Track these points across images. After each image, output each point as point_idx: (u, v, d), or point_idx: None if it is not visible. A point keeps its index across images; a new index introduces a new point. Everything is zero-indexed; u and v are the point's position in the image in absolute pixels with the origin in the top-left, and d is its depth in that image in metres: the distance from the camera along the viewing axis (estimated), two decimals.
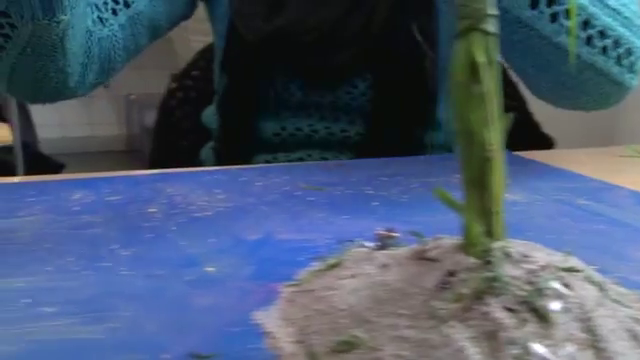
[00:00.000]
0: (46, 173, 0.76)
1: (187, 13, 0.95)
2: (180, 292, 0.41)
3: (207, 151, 1.03)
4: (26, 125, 2.65)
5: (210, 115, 1.03)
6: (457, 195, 0.59)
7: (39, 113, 3.31)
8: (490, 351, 0.30)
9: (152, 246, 0.49)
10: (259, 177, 0.67)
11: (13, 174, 2.33)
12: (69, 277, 0.44)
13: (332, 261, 0.42)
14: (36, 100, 0.81)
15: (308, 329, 0.35)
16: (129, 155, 3.96)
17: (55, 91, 0.76)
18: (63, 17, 0.69)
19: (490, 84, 0.34)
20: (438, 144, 0.92)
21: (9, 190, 0.63)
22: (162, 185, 0.64)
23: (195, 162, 1.07)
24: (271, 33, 0.89)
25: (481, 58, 0.34)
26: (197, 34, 3.66)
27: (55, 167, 2.98)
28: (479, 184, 0.35)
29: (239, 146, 0.93)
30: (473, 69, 0.34)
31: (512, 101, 1.03)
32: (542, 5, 0.66)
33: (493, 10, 0.34)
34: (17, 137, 2.32)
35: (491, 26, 0.34)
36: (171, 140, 1.23)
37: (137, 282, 0.43)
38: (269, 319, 0.38)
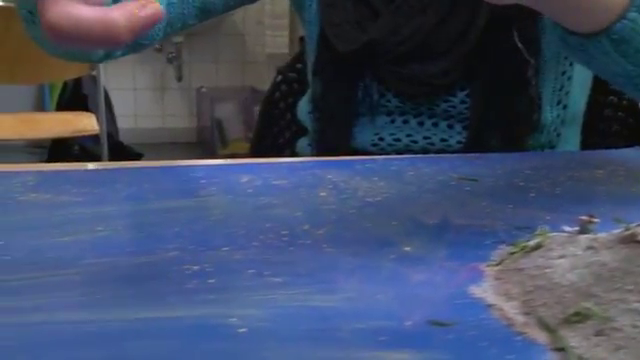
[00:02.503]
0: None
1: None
2: (391, 268, 0.45)
3: (304, 147, 1.04)
4: (108, 115, 2.72)
5: (304, 112, 1.04)
6: (609, 189, 0.62)
7: (114, 104, 3.40)
8: None
9: (340, 226, 0.53)
10: (408, 167, 0.70)
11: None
12: (278, 252, 0.47)
13: (532, 244, 0.45)
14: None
15: (532, 303, 0.39)
16: (198, 147, 4.03)
17: (79, 60, 0.84)
18: None
19: None
20: (539, 145, 0.92)
21: (178, 172, 0.68)
22: (320, 172, 0.67)
23: (293, 154, 1.09)
24: (365, 44, 0.89)
25: None
26: (271, 29, 3.71)
27: (134, 156, 3.06)
28: None
29: (336, 153, 0.94)
30: None
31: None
32: None
33: None
34: (103, 127, 2.38)
35: None
36: (274, 132, 1.25)
37: (346, 259, 0.46)
38: (486, 294, 0.41)
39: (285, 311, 0.39)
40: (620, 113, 1.04)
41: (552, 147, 0.94)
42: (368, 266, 0.45)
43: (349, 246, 0.48)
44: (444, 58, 0.87)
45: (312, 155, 0.99)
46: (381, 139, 0.91)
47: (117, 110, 3.44)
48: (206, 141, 3.97)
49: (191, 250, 0.47)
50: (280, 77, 1.27)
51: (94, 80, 2.92)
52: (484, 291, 0.41)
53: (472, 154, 0.79)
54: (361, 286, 0.42)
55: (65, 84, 3.14)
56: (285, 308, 0.39)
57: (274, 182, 0.64)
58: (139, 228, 0.52)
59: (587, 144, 1.00)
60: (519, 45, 0.85)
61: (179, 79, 3.96)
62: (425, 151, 0.90)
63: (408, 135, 0.91)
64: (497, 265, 0.45)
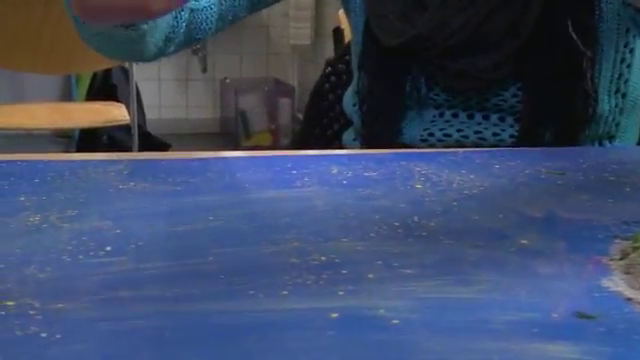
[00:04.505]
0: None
1: None
2: (516, 261, 0.45)
3: (350, 141, 1.04)
4: (137, 106, 2.73)
5: (349, 105, 1.03)
6: None
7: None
8: None
9: (449, 218, 0.53)
10: (491, 160, 0.70)
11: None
12: (398, 243, 0.48)
13: None
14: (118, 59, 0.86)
15: None
16: (222, 138, 4.03)
17: (131, 59, 0.81)
18: (144, 27, 0.73)
19: None
20: (596, 136, 0.91)
21: (266, 163, 0.68)
22: (406, 164, 0.68)
23: (341, 147, 1.08)
24: (412, 38, 0.87)
25: None
26: (295, 21, 3.71)
27: (162, 147, 3.07)
28: None
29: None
30: None
31: None
32: None
33: None
34: (134, 118, 2.39)
35: None
36: (322, 123, 1.24)
37: (468, 251, 0.47)
38: (620, 288, 0.41)
39: (429, 302, 0.39)
40: None
41: (610, 137, 0.92)
42: (492, 258, 0.45)
43: (466, 238, 0.49)
44: (495, 51, 0.85)
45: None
46: (431, 134, 0.90)
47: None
48: (230, 132, 3.98)
49: (311, 241, 0.48)
50: (329, 69, 1.26)
51: (123, 70, 2.93)
52: (616, 285, 0.42)
53: (556, 148, 0.78)
54: (492, 278, 0.42)
55: (95, 74, 3.15)
56: (427, 300, 0.39)
57: (365, 174, 0.64)
58: (250, 218, 0.52)
59: None
60: (573, 36, 0.83)
61: (203, 70, 3.97)
62: (477, 147, 0.87)
63: (459, 130, 0.89)
64: (621, 259, 0.45)
